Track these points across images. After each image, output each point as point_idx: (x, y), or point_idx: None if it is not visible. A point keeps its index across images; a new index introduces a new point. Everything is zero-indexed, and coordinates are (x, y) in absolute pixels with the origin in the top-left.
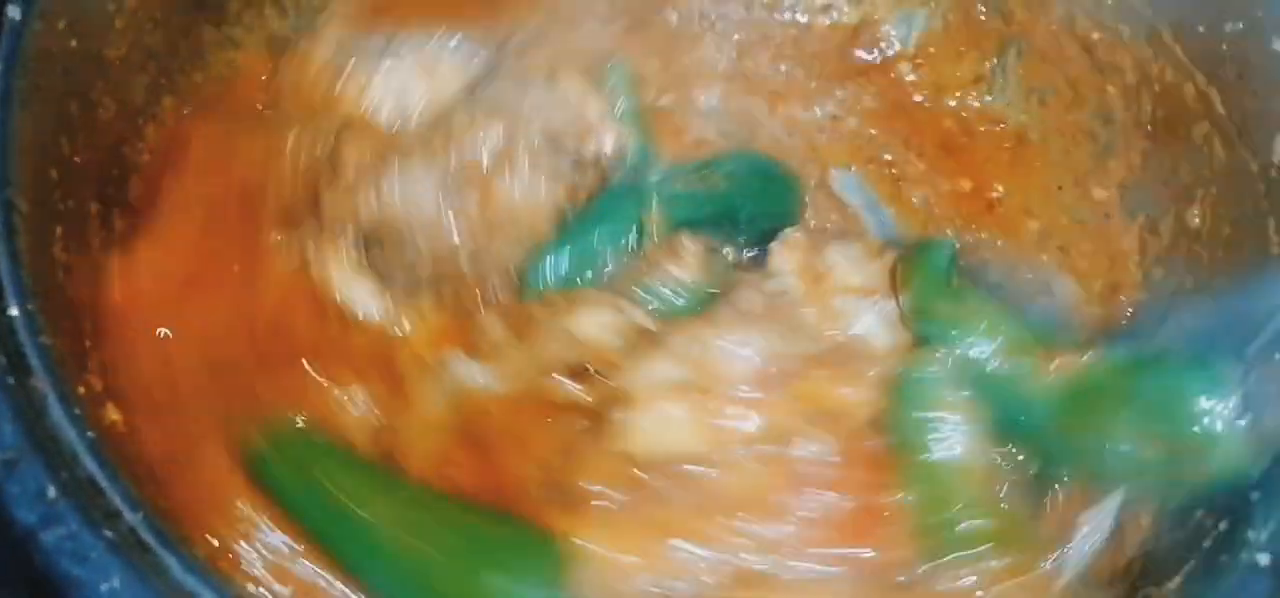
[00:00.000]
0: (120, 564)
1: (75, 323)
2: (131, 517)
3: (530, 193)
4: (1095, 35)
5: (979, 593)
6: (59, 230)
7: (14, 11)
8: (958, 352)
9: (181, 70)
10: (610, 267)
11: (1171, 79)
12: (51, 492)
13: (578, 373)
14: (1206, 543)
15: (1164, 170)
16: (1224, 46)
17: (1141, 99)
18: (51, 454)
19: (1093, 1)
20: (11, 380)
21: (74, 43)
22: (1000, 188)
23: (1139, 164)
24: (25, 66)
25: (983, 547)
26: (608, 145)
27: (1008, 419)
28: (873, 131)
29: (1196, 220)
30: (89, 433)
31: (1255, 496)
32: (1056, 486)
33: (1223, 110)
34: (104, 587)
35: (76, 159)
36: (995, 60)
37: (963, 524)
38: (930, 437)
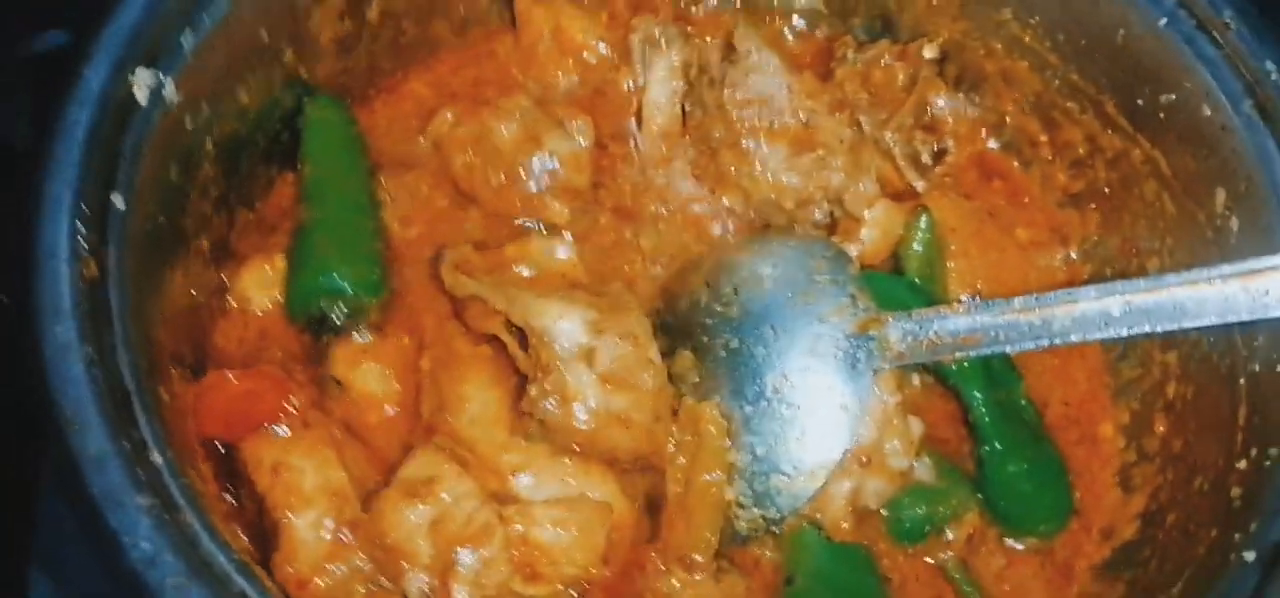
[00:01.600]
0: None
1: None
2: None
3: None
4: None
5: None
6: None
7: (118, 201)
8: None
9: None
10: None
11: (1120, 146)
12: None
13: None
14: (1201, 550)
15: (1123, 228)
16: (1162, 115)
17: (1096, 166)
18: (208, 578)
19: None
20: (167, 517)
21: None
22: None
23: (1097, 225)
24: (132, 247)
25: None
26: None
27: None
28: None
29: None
30: (236, 556)
31: (1236, 495)
32: None
33: (1168, 171)
34: None
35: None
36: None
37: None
38: None
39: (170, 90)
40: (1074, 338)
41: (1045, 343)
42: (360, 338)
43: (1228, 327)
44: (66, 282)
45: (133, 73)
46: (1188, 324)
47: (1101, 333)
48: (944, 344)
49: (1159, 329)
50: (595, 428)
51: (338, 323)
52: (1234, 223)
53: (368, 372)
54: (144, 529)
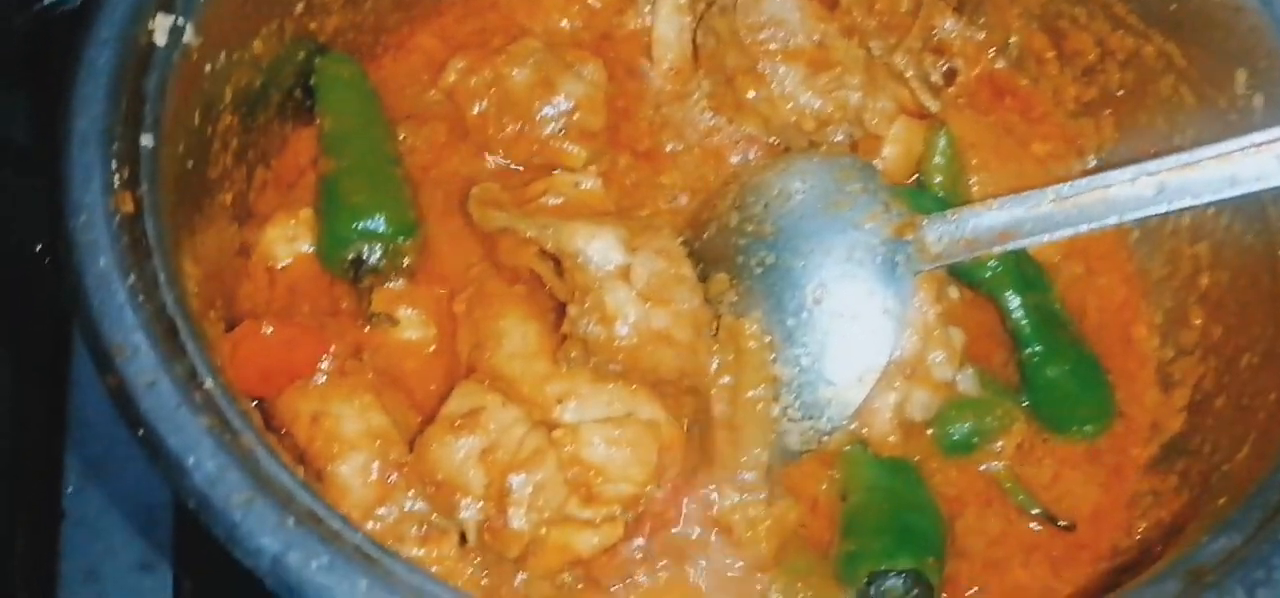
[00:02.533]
0: (364, 570)
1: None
2: (357, 538)
3: None
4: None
5: None
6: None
7: (147, 139)
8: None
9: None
10: None
11: (1132, 45)
12: (289, 523)
13: None
14: (1261, 416)
15: (1141, 128)
16: (1173, 6)
17: (1108, 70)
18: (273, 494)
19: None
20: (227, 437)
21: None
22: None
23: (1113, 130)
24: (164, 187)
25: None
26: None
27: None
28: None
29: None
30: (297, 474)
31: None
32: None
33: (1184, 62)
34: (350, 589)
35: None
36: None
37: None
38: None
39: (189, 34)
40: (1110, 220)
41: (1083, 228)
42: (394, 284)
43: (1259, 200)
44: (103, 214)
45: (152, 17)
46: (1223, 195)
47: (1137, 213)
48: (981, 240)
49: (1194, 203)
50: (638, 344)
51: (374, 266)
52: (1258, 101)
53: (404, 317)
54: (207, 449)
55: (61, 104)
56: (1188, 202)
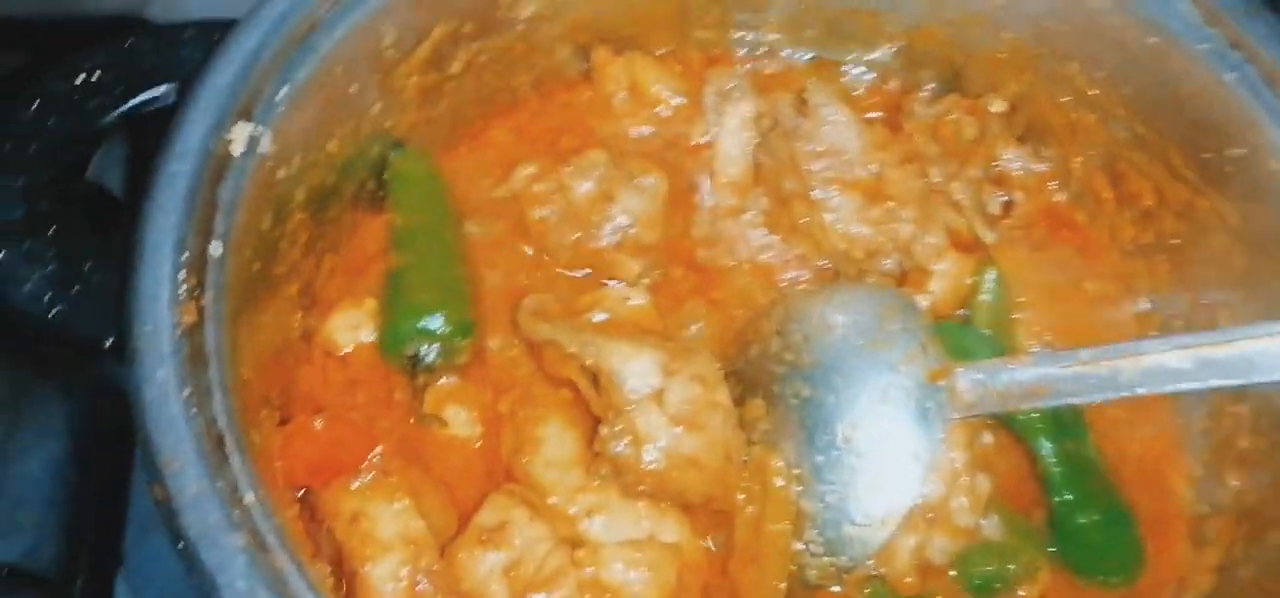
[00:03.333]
0: None
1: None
2: None
3: None
4: (1120, 165)
5: None
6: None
7: (215, 248)
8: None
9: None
10: None
11: (1188, 198)
12: None
13: None
14: None
15: (1192, 280)
16: (1230, 169)
17: (1163, 218)
18: None
19: (1117, 134)
20: (259, 557)
21: (257, 267)
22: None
23: (1166, 276)
24: (228, 293)
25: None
26: None
27: None
28: None
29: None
30: (323, 587)
31: None
32: None
33: (1237, 221)
34: None
35: (261, 365)
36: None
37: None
38: None
39: (266, 143)
40: (1142, 391)
41: (1113, 395)
42: (447, 379)
43: None
44: (167, 326)
45: (230, 127)
46: (1259, 379)
47: (1171, 386)
48: (1013, 395)
49: (1229, 384)
50: (666, 469)
51: (430, 364)
52: None
53: (453, 414)
54: (239, 568)
55: (139, 209)
56: (1224, 381)
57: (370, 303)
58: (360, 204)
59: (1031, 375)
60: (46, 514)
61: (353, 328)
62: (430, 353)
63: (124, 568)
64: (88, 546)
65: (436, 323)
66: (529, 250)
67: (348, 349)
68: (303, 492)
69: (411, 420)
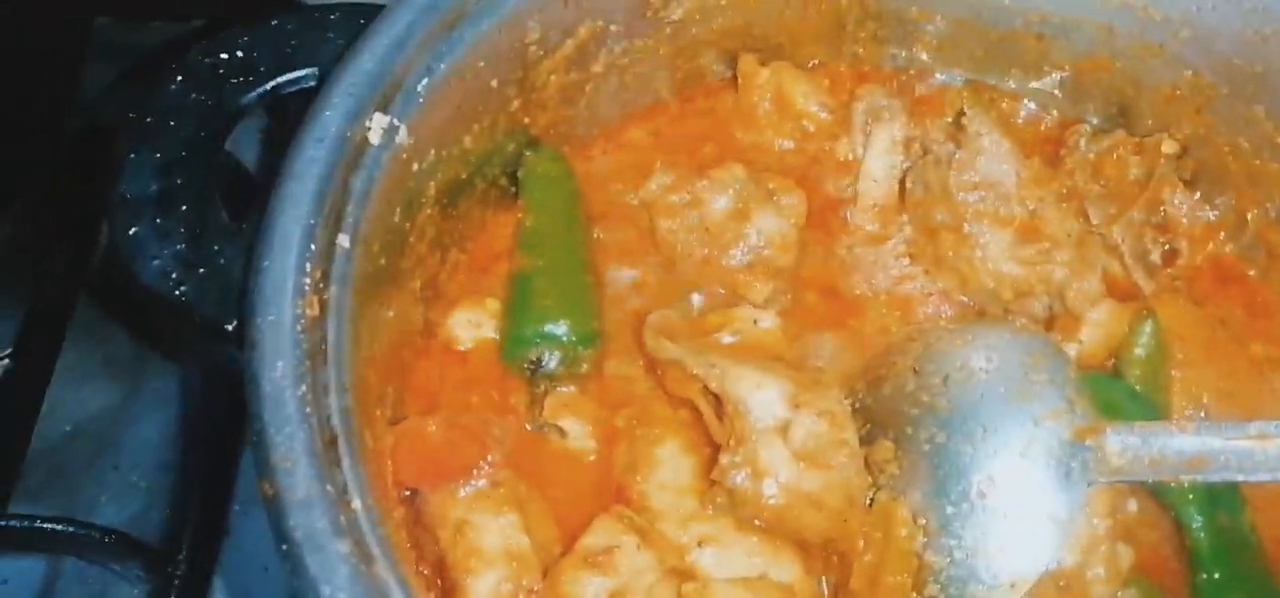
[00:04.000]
0: None
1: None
2: None
3: None
4: None
5: None
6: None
7: (344, 241)
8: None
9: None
10: None
11: None
12: None
13: None
14: None
15: None
16: None
17: None
18: None
19: None
20: (363, 568)
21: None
22: None
23: None
24: (352, 287)
25: None
26: None
27: None
28: None
29: None
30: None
31: None
32: None
33: None
34: None
35: (379, 361)
36: None
37: None
38: None
39: (402, 135)
40: None
41: None
42: (566, 389)
43: None
44: (290, 318)
45: (369, 116)
46: None
47: None
48: (1167, 464)
49: None
50: (785, 505)
51: (551, 372)
52: None
53: (569, 426)
54: (341, 578)
55: (272, 196)
56: None
57: (492, 303)
58: (490, 201)
59: (1191, 445)
60: (158, 480)
61: (474, 326)
62: (552, 360)
63: (229, 540)
64: (194, 516)
65: (561, 330)
66: (655, 262)
67: (467, 346)
68: (410, 493)
69: (526, 428)
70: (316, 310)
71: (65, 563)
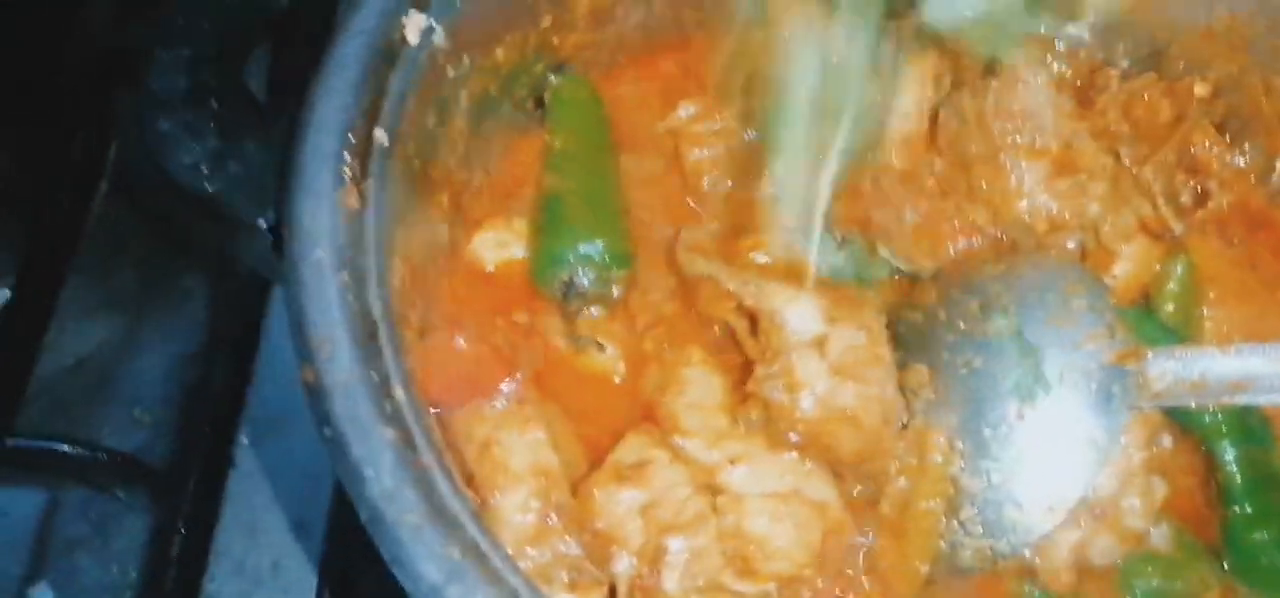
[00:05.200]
0: None
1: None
2: (516, 581)
3: None
4: None
5: None
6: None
7: (382, 136)
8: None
9: None
10: None
11: None
12: (453, 551)
13: None
14: None
15: None
16: None
17: None
18: (443, 522)
19: None
20: (410, 454)
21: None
22: None
23: None
24: (390, 185)
25: None
26: None
27: None
28: None
29: None
30: (470, 503)
31: None
32: None
33: None
34: None
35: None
36: None
37: None
38: None
39: (439, 36)
40: None
41: None
42: (595, 310)
43: None
44: (329, 205)
45: (407, 14)
46: None
47: None
48: (1209, 387)
49: None
50: (820, 419)
51: (584, 291)
52: None
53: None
54: (387, 463)
55: (309, 87)
56: None
57: (519, 223)
58: (516, 125)
59: (1233, 367)
60: (162, 413)
61: (500, 246)
62: (586, 279)
63: (235, 472)
64: (201, 446)
65: (595, 249)
66: (680, 192)
67: (493, 266)
68: (436, 411)
69: (561, 344)
70: (356, 202)
71: (66, 496)
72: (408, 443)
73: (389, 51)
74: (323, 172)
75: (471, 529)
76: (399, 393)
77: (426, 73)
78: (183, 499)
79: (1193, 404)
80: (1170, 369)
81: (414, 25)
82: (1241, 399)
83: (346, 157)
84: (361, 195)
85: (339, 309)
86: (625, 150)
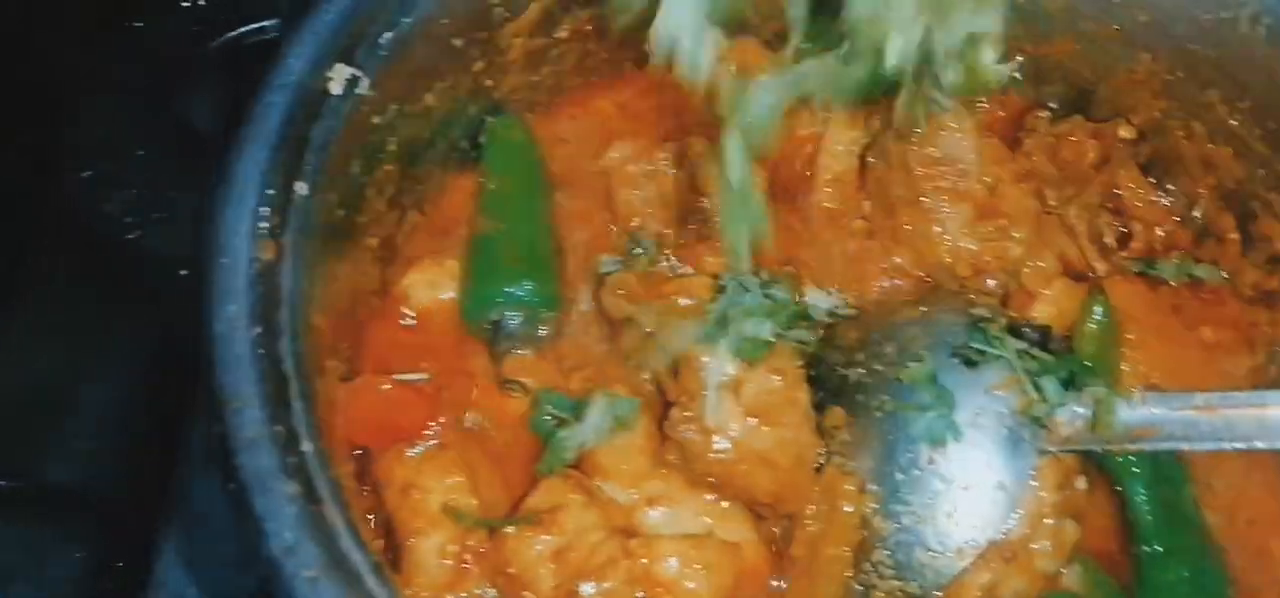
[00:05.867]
0: None
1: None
2: None
3: None
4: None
5: None
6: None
7: (301, 188)
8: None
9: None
10: None
11: None
12: None
13: None
14: None
15: None
16: None
17: None
18: (342, 575)
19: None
20: (310, 508)
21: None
22: None
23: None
24: (309, 236)
25: None
26: None
27: None
28: None
29: None
30: (371, 557)
31: None
32: None
33: None
34: None
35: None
36: None
37: None
38: None
39: (364, 86)
40: (1260, 444)
41: (1225, 446)
42: (523, 352)
43: None
44: (244, 261)
45: (331, 66)
46: None
47: None
48: (1115, 433)
49: None
50: (734, 461)
51: (512, 333)
52: None
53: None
54: (287, 518)
55: (231, 140)
56: None
57: (451, 264)
58: (450, 164)
59: (1136, 415)
60: (104, 445)
61: (431, 286)
62: (514, 320)
63: (176, 506)
64: (140, 479)
65: (524, 291)
66: (614, 231)
67: (425, 305)
68: (360, 451)
69: (481, 389)
70: (272, 254)
71: (3, 528)
72: (311, 497)
73: (311, 103)
74: (239, 227)
75: (370, 582)
76: (307, 446)
77: (351, 122)
78: (122, 532)
79: (1100, 449)
80: (1077, 416)
81: (338, 76)
82: (1147, 446)
83: (265, 210)
84: (279, 248)
85: (249, 365)
86: (562, 189)
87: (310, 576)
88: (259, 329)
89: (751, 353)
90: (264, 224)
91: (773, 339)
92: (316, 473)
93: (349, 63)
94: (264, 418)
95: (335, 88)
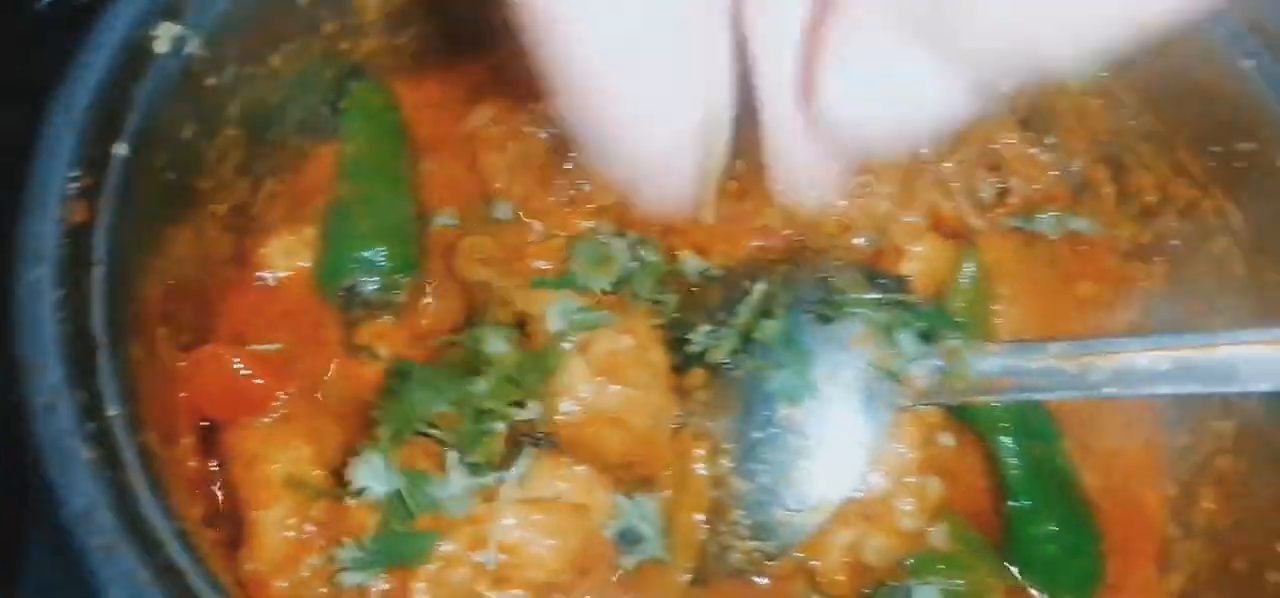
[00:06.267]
0: None
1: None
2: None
3: None
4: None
5: None
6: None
7: (121, 149)
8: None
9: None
10: None
11: (1191, 195)
12: (143, 575)
13: None
14: None
15: (1189, 286)
16: (1238, 165)
17: (1165, 216)
18: (140, 542)
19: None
20: (109, 475)
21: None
22: None
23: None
24: (133, 200)
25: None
26: None
27: None
28: None
29: None
30: (177, 523)
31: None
32: None
33: (1239, 224)
34: None
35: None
36: None
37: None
38: None
39: (194, 45)
40: (1113, 391)
41: (1082, 394)
42: (382, 319)
43: None
44: (51, 223)
45: (156, 24)
46: (1240, 388)
47: (1146, 389)
48: (973, 385)
49: (1208, 390)
50: (583, 420)
51: (367, 299)
52: None
53: (382, 353)
54: (82, 484)
55: (48, 101)
56: (1203, 388)
57: (309, 231)
58: (309, 131)
59: (994, 365)
60: None
61: (287, 255)
62: (368, 286)
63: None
64: None
65: (379, 256)
66: (478, 194)
67: (283, 274)
68: (208, 423)
69: (339, 355)
70: (84, 216)
71: None
72: (111, 463)
73: (135, 63)
74: (49, 187)
75: (171, 549)
76: (113, 411)
77: (180, 84)
78: None
79: (958, 402)
80: (933, 368)
81: (165, 35)
82: (1006, 397)
83: (76, 171)
84: (92, 210)
85: (50, 328)
86: (430, 154)
87: (103, 543)
88: (63, 293)
89: (589, 318)
90: (74, 185)
91: (608, 288)
92: (121, 437)
93: (175, 21)
94: (63, 381)
95: (161, 47)
